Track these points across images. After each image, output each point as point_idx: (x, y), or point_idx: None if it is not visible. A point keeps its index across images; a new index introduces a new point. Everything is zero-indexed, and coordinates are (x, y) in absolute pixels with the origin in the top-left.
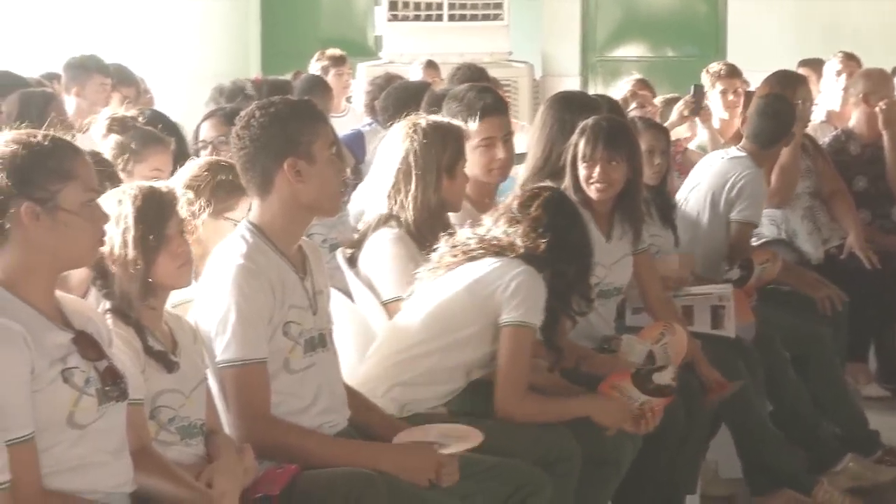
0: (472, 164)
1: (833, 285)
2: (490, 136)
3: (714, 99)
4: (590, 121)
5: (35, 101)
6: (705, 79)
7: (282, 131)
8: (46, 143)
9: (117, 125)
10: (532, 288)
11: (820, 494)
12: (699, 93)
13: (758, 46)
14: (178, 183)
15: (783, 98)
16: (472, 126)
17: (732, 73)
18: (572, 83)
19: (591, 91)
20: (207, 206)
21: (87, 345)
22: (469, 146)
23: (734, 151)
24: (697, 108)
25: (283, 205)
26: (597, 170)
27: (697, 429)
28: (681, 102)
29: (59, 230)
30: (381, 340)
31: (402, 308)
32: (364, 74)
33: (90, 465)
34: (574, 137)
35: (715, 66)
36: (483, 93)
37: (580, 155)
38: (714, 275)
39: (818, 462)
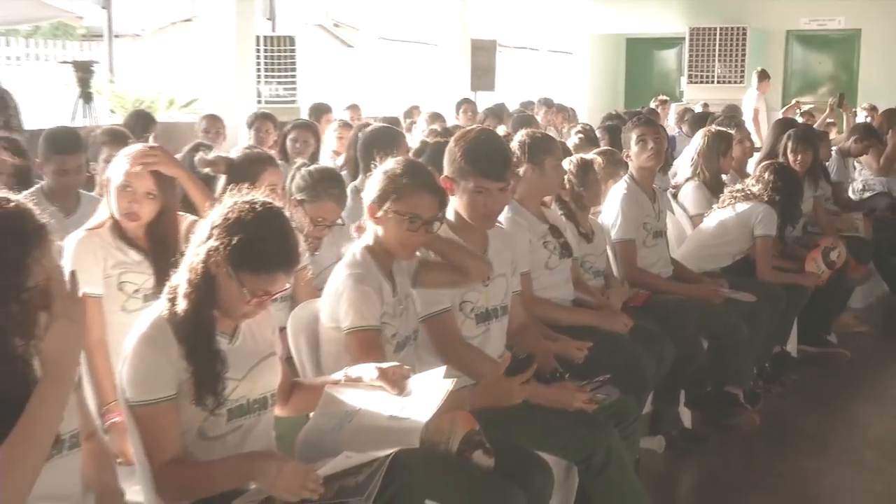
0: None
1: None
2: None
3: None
4: (799, 129)
5: (496, 111)
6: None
7: None
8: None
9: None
10: (770, 216)
11: None
12: (841, 96)
13: (877, 93)
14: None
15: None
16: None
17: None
18: (777, 115)
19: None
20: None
21: None
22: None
23: None
24: (840, 102)
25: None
26: (800, 157)
27: (843, 284)
28: (830, 99)
29: None
30: (690, 237)
31: (703, 220)
32: (674, 109)
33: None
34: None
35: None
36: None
37: (790, 147)
38: None
39: None
